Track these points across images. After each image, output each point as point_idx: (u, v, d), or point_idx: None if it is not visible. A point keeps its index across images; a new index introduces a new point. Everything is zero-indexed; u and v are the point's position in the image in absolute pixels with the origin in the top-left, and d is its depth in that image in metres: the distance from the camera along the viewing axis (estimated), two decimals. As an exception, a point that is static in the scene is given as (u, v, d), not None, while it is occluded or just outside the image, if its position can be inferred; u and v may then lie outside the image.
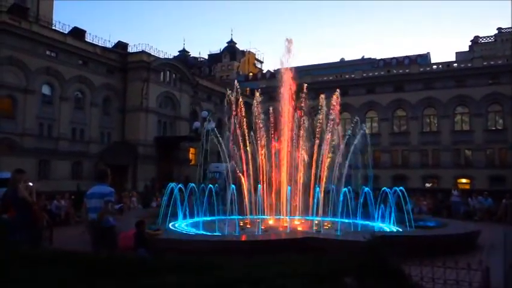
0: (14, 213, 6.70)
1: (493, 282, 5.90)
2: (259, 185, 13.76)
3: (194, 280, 3.72)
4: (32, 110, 30.74)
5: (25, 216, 6.54)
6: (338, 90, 15.00)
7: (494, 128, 37.21)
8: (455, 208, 20.16)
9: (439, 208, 20.67)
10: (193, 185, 13.19)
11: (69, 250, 5.28)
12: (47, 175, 31.15)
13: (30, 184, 7.05)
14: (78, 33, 36.27)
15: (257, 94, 15.04)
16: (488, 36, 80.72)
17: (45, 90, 32.28)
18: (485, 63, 38.36)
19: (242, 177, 13.68)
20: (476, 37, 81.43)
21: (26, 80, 30.30)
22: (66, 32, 34.87)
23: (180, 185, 12.77)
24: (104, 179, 6.62)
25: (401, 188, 12.56)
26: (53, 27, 35.07)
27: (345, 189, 12.68)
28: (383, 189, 12.57)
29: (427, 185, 37.75)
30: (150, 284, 3.67)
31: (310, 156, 14.68)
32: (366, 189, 12.52)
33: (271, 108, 15.64)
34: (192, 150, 43.78)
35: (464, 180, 37.45)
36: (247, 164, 14.15)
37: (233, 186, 12.90)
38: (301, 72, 50.05)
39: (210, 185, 13.20)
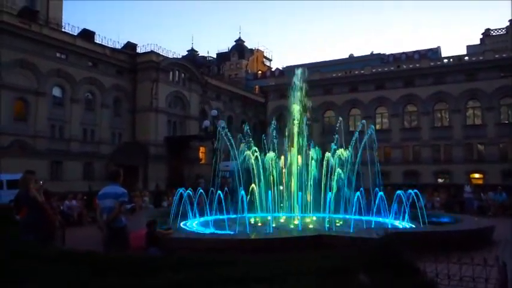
0: (26, 214, 6.76)
1: (510, 278, 5.80)
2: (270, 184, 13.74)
3: (196, 278, 3.69)
4: (43, 112, 31.13)
5: (36, 216, 6.58)
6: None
7: (507, 122, 36.60)
8: (469, 204, 19.91)
9: (452, 203, 20.45)
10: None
11: (77, 249, 5.30)
12: (59, 176, 31.52)
13: (41, 182, 7.10)
14: (87, 34, 36.60)
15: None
16: (499, 29, 79.38)
17: (56, 92, 32.68)
18: (497, 56, 37.73)
19: (253, 175, 13.64)
20: (488, 30, 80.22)
21: (37, 83, 30.67)
22: (75, 34, 35.24)
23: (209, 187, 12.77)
24: (116, 179, 6.63)
25: (415, 190, 12.39)
26: (63, 30, 35.49)
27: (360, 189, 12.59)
28: (397, 193, 12.36)
29: (439, 180, 37.35)
30: (156, 280, 3.66)
31: (322, 154, 14.58)
32: (379, 193, 12.32)
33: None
34: (202, 149, 43.94)
35: (477, 175, 36.96)
36: (257, 161, 14.10)
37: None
38: (310, 70, 49.91)
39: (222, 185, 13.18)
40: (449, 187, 23.34)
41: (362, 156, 13.94)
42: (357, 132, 14.15)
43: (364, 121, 14.16)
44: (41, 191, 6.93)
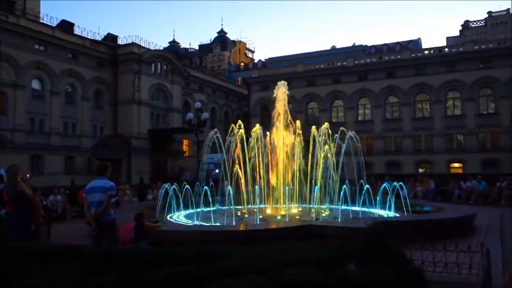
0: (12, 208, 6.63)
1: (493, 264, 5.98)
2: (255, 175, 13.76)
3: (192, 272, 3.70)
4: (22, 105, 30.47)
5: (23, 210, 6.47)
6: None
7: (486, 112, 37.42)
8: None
9: (435, 193, 20.75)
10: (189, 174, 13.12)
11: (67, 245, 5.25)
12: (40, 170, 30.99)
13: (28, 176, 7.01)
14: (66, 26, 35.88)
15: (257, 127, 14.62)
16: (478, 21, 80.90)
17: (35, 85, 31.98)
18: (476, 48, 38.41)
19: (238, 167, 13.62)
20: (467, 21, 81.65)
21: (15, 75, 29.97)
22: (54, 25, 34.46)
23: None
24: (104, 173, 6.56)
25: (400, 183, 12.67)
26: (41, 21, 34.64)
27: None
28: (383, 185, 12.65)
29: (420, 170, 38.01)
30: (153, 275, 3.67)
31: (307, 144, 14.63)
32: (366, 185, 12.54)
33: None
34: (185, 141, 43.74)
35: (456, 165, 37.77)
36: (243, 153, 14.07)
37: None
38: (292, 61, 50.13)
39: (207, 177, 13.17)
40: (432, 177, 23.72)
41: (345, 147, 14.06)
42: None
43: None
44: (28, 184, 6.82)
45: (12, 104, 29.84)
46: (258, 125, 14.64)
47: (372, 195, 12.63)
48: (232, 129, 13.94)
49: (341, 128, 14.24)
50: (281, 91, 14.58)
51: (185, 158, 41.99)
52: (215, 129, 14.46)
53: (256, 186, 13.34)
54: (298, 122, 14.76)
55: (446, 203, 16.59)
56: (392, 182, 12.73)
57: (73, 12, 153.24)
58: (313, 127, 14.37)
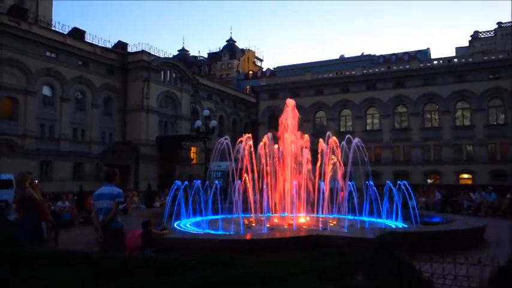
0: (22, 214, 6.68)
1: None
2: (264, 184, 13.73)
3: (201, 277, 3.70)
4: (33, 111, 30.80)
5: (32, 215, 6.51)
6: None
7: (495, 123, 37.08)
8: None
9: (442, 204, 20.56)
10: (199, 182, 13.16)
11: (74, 251, 5.27)
12: (49, 176, 31.21)
13: (36, 181, 7.06)
14: (77, 33, 36.29)
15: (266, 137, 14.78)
16: (488, 31, 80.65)
17: (46, 91, 32.34)
18: (485, 58, 38.20)
19: (246, 175, 13.60)
20: (476, 32, 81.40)
21: (26, 81, 30.32)
22: (65, 33, 34.93)
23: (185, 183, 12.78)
24: (112, 179, 6.57)
25: (404, 182, 12.56)
26: (53, 28, 35.14)
27: (350, 185, 12.70)
28: (387, 183, 12.57)
29: (429, 181, 37.69)
30: (157, 282, 3.66)
31: (314, 154, 14.61)
32: (370, 183, 12.50)
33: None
34: (193, 149, 43.85)
35: (466, 176, 37.40)
36: (251, 162, 14.08)
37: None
38: (301, 70, 50.21)
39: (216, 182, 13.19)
40: (441, 187, 23.48)
41: (353, 157, 14.02)
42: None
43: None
44: (37, 190, 6.86)
45: (23, 110, 30.16)
46: (266, 136, 14.69)
47: (380, 205, 12.53)
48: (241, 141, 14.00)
49: (347, 136, 14.19)
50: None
51: (193, 166, 42.05)
52: (225, 136, 14.51)
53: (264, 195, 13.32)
54: (306, 135, 14.81)
55: (456, 215, 16.38)
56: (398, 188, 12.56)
57: (84, 19, 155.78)
58: (320, 140, 14.36)
